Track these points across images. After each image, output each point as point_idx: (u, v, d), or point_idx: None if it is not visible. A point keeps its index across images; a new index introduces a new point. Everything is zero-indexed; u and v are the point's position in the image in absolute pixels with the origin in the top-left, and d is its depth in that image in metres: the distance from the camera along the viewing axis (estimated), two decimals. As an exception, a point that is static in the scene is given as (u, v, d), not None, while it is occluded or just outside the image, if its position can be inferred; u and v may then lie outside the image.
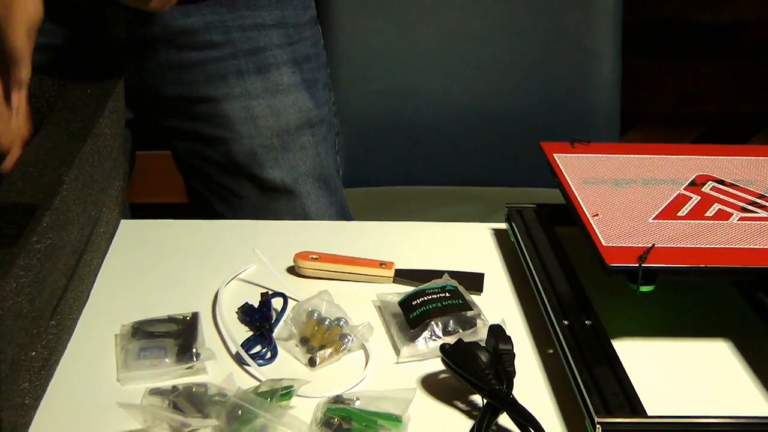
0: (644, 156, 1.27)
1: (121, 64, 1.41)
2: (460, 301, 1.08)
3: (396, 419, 0.91)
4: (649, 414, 0.90)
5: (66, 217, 0.99)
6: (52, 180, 0.99)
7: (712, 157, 1.26)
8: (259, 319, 1.08)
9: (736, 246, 1.05)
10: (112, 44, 1.39)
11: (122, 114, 1.26)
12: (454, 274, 1.14)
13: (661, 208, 1.13)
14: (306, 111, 1.49)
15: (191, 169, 1.53)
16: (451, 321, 1.05)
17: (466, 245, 1.28)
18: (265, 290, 1.14)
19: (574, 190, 1.17)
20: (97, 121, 1.12)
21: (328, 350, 1.03)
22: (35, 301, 0.90)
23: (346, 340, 1.04)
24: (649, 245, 1.04)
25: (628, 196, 1.16)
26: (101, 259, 1.19)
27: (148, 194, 1.73)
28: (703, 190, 1.18)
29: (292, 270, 1.20)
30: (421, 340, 1.04)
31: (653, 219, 1.10)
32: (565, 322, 1.04)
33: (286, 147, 1.48)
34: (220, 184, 1.51)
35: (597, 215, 1.11)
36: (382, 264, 1.18)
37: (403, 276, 1.18)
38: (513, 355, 0.97)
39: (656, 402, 0.93)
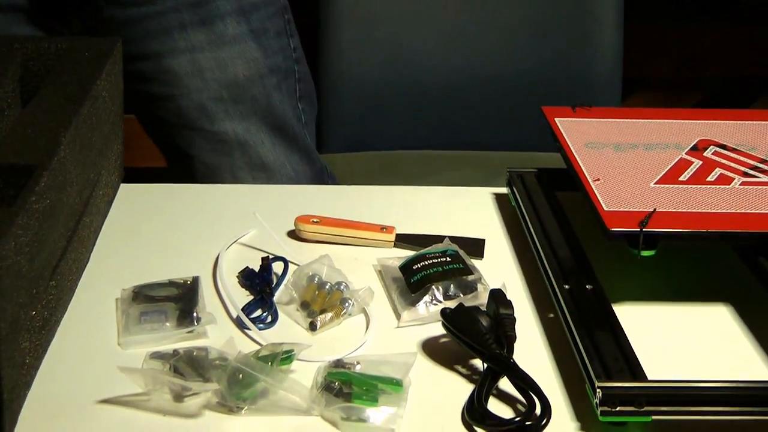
0: (646, 120, 1.26)
1: (68, 23, 1.41)
2: (461, 266, 1.08)
3: (396, 383, 0.91)
4: (649, 378, 0.90)
5: (64, 178, 0.99)
6: (49, 141, 0.98)
7: (714, 122, 1.26)
8: (260, 283, 1.08)
9: (738, 211, 1.05)
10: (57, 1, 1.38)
11: (120, 76, 1.26)
12: (454, 240, 1.14)
13: (663, 172, 1.13)
14: (254, 61, 1.48)
15: (149, 132, 1.53)
16: (451, 285, 1.05)
17: (467, 210, 1.28)
18: (265, 254, 1.14)
19: (575, 154, 1.17)
20: (95, 84, 1.12)
21: (329, 314, 1.03)
22: (35, 261, 0.90)
23: (346, 304, 1.04)
24: (651, 210, 1.03)
25: (630, 161, 1.15)
26: (101, 222, 1.19)
27: (148, 158, 1.73)
28: (704, 154, 1.17)
29: (292, 234, 1.19)
30: (421, 305, 1.04)
31: (655, 183, 1.10)
32: (566, 287, 1.04)
33: (235, 99, 1.47)
34: (171, 145, 1.50)
35: (598, 180, 1.10)
36: (383, 228, 1.18)
37: (403, 240, 1.18)
38: (513, 320, 0.97)
39: (657, 366, 0.93)
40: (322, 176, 1.63)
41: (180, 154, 1.52)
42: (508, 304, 0.98)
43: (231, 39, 1.46)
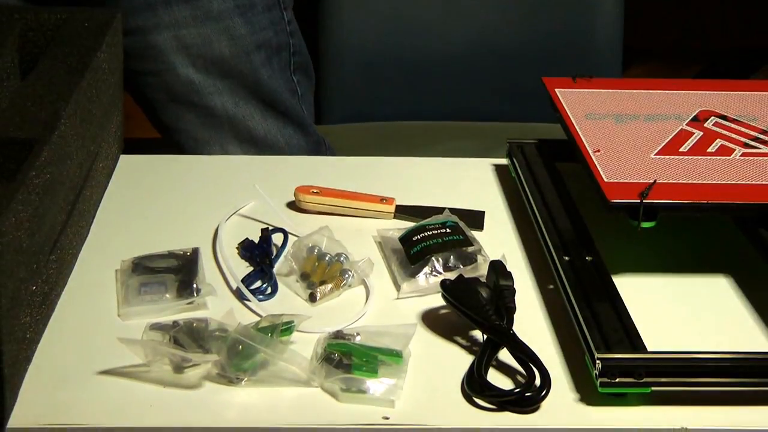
0: (647, 91, 1.26)
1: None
2: (461, 237, 1.08)
3: (396, 354, 0.91)
4: (649, 349, 0.90)
5: (64, 152, 0.99)
6: (50, 115, 0.98)
7: (715, 93, 1.25)
8: (260, 254, 1.08)
9: (738, 182, 1.05)
10: None
11: (120, 48, 1.25)
12: (454, 212, 1.14)
13: (663, 143, 1.13)
14: (239, 38, 1.47)
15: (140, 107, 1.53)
16: (451, 257, 1.05)
17: (467, 181, 1.27)
18: (265, 226, 1.14)
19: (575, 125, 1.16)
20: (95, 56, 1.11)
21: (329, 286, 1.03)
22: (35, 236, 0.90)
23: (346, 275, 1.04)
24: (651, 181, 1.03)
25: (630, 132, 1.15)
26: (101, 195, 1.19)
27: (146, 129, 1.73)
28: (705, 125, 1.17)
29: (292, 206, 1.19)
30: (421, 276, 1.04)
31: (655, 155, 1.10)
32: (566, 258, 1.04)
33: (223, 74, 1.47)
34: (159, 120, 1.50)
35: (599, 151, 1.10)
36: (383, 199, 1.18)
37: (403, 212, 1.18)
38: (513, 291, 0.97)
39: (656, 337, 0.93)
40: (318, 149, 1.63)
41: (169, 128, 1.52)
42: (508, 276, 0.98)
43: (216, 15, 1.45)
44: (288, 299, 1.03)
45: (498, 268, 0.99)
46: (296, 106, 1.57)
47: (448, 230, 1.08)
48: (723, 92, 1.25)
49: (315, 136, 1.61)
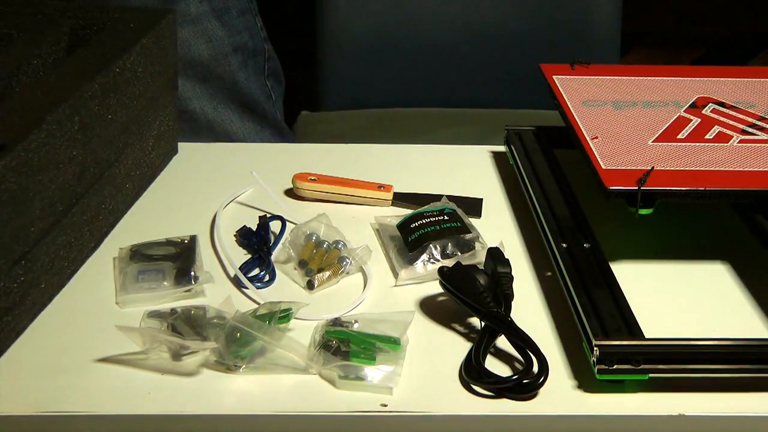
0: (645, 78, 1.26)
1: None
2: (459, 224, 1.08)
3: (394, 341, 0.92)
4: (646, 336, 0.90)
5: (46, 159, 0.93)
6: (31, 120, 0.92)
7: (713, 79, 1.25)
8: (257, 242, 1.08)
9: (736, 168, 1.05)
10: None
11: (171, 47, 1.19)
12: (452, 199, 1.14)
13: (661, 130, 1.12)
14: (218, 40, 1.48)
15: None
16: (449, 244, 1.05)
17: (465, 168, 1.27)
18: (263, 213, 1.14)
19: (573, 112, 1.16)
20: (119, 58, 1.06)
21: (327, 273, 1.03)
22: None
23: (344, 262, 1.04)
24: (649, 168, 1.03)
25: (628, 119, 1.15)
26: (120, 203, 1.14)
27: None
28: (703, 112, 1.17)
29: (289, 193, 1.19)
30: (419, 263, 1.04)
31: (653, 141, 1.10)
32: (564, 245, 1.04)
33: (201, 78, 1.47)
34: None
35: (596, 138, 1.10)
36: (381, 186, 1.18)
37: (401, 199, 1.18)
38: (511, 278, 0.97)
39: (654, 324, 0.93)
40: None
41: None
42: (506, 263, 0.99)
43: (193, 18, 1.45)
44: (286, 286, 1.03)
45: (496, 255, 0.99)
46: (272, 110, 1.58)
47: (445, 217, 1.08)
48: (721, 79, 1.25)
49: (290, 138, 1.62)
